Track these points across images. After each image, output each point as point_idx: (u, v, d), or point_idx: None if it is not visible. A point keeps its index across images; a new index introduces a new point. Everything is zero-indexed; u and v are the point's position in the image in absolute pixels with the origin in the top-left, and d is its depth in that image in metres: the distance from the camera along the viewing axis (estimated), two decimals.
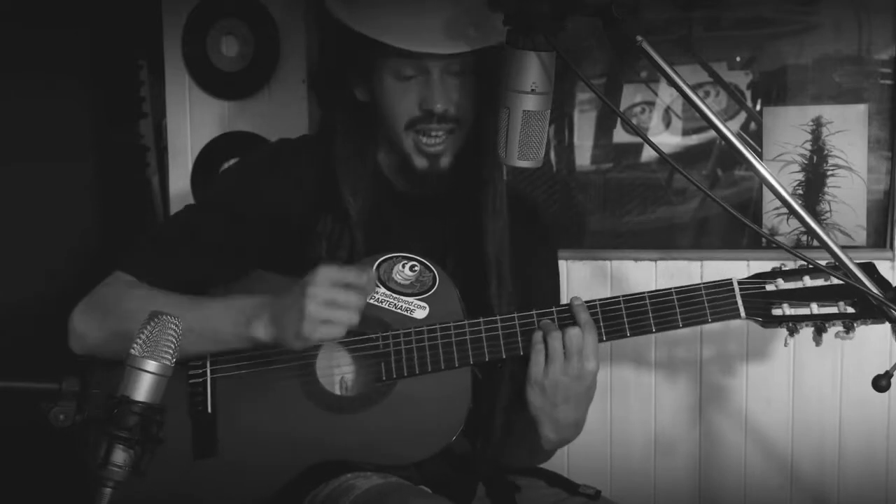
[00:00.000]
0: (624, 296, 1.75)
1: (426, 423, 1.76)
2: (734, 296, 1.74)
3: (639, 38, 1.43)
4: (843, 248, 1.46)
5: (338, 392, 1.79)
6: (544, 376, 1.70)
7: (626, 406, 2.57)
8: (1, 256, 2.64)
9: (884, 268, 2.36)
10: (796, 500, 2.50)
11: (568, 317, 1.74)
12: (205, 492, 1.77)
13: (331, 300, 1.61)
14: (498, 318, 1.76)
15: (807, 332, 1.75)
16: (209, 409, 1.77)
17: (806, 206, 2.29)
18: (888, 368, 1.51)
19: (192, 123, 2.70)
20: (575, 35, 2.52)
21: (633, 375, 2.55)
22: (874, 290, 1.44)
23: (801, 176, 2.50)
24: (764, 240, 2.52)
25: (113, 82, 3.05)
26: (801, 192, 2.49)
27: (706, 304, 1.73)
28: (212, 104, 2.68)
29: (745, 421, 2.51)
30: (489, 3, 1.57)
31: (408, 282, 1.79)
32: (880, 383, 1.51)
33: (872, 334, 2.36)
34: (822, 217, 2.47)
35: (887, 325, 1.48)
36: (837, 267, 1.46)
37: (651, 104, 2.59)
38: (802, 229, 2.48)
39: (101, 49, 2.98)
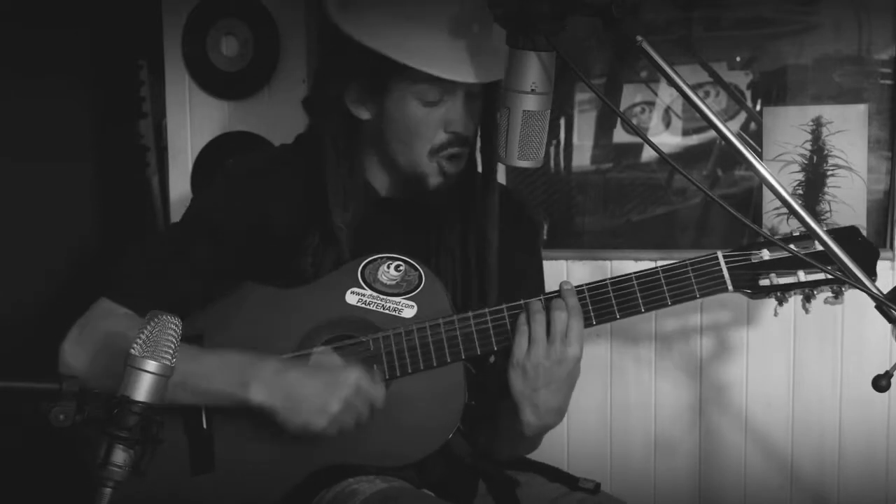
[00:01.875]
0: (611, 278, 1.75)
1: (422, 421, 1.76)
2: (720, 269, 1.74)
3: (639, 38, 1.43)
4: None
5: None
6: (526, 358, 1.69)
7: (625, 406, 2.57)
8: (1, 256, 2.64)
9: (884, 267, 2.38)
10: (796, 500, 2.50)
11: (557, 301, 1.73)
12: None
13: (352, 405, 1.67)
14: (487, 311, 1.76)
15: (802, 315, 1.78)
16: (204, 426, 1.77)
17: (806, 206, 2.28)
18: (888, 368, 1.51)
19: (192, 123, 2.70)
20: (574, 35, 2.52)
21: (633, 376, 2.55)
22: (874, 289, 1.44)
23: (801, 176, 2.50)
24: (763, 240, 2.52)
25: (113, 82, 3.05)
26: (801, 192, 2.49)
27: (693, 280, 1.74)
28: (212, 104, 2.68)
29: (745, 421, 2.51)
30: (489, 3, 1.57)
31: (394, 282, 1.78)
32: (880, 383, 1.51)
33: (872, 334, 2.37)
34: (822, 217, 2.47)
35: (887, 326, 1.48)
36: (838, 267, 1.46)
37: (651, 104, 2.59)
38: (802, 229, 2.48)
39: (101, 49, 2.98)
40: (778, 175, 2.46)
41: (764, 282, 1.75)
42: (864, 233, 2.45)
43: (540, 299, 1.74)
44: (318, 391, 1.67)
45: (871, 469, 2.46)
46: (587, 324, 1.73)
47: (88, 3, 2.86)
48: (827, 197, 2.49)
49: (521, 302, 1.75)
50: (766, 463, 2.51)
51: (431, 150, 1.77)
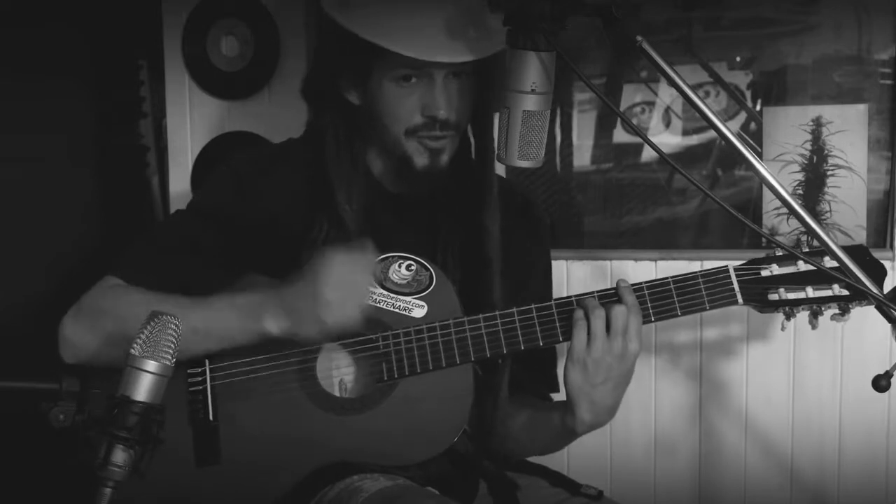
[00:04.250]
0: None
1: (429, 422, 1.76)
2: (731, 282, 1.75)
3: (639, 38, 1.43)
4: (842, 247, 1.47)
5: (337, 394, 1.79)
6: (586, 353, 1.69)
7: (625, 406, 2.55)
8: (1, 256, 2.64)
9: None
10: (796, 500, 2.50)
11: (611, 300, 1.74)
12: (209, 498, 1.77)
13: (342, 282, 1.62)
14: (497, 313, 1.76)
15: (803, 317, 1.77)
16: (210, 417, 1.77)
17: (806, 206, 2.29)
18: (888, 368, 1.51)
19: (192, 123, 2.70)
20: (575, 35, 2.52)
21: (633, 375, 2.55)
22: (874, 289, 1.44)
23: (801, 176, 2.50)
24: (764, 240, 2.52)
25: (113, 82, 3.05)
26: (801, 192, 2.49)
27: (703, 292, 1.75)
28: (212, 104, 2.68)
29: (745, 421, 2.51)
30: (489, 4, 1.57)
31: (405, 281, 1.79)
32: (880, 383, 1.51)
33: (872, 334, 2.37)
34: (822, 217, 2.47)
35: (887, 326, 1.48)
36: (839, 269, 1.47)
37: (651, 104, 2.59)
38: (802, 229, 2.48)
39: (101, 49, 2.98)
40: (778, 175, 2.46)
41: (773, 296, 1.75)
42: (865, 233, 2.47)
43: (594, 296, 1.74)
44: (303, 286, 1.64)
45: (871, 469, 2.46)
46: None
47: (88, 3, 2.86)
48: (827, 197, 2.49)
49: (532, 306, 1.76)
50: (766, 463, 2.51)
51: (408, 131, 1.76)
